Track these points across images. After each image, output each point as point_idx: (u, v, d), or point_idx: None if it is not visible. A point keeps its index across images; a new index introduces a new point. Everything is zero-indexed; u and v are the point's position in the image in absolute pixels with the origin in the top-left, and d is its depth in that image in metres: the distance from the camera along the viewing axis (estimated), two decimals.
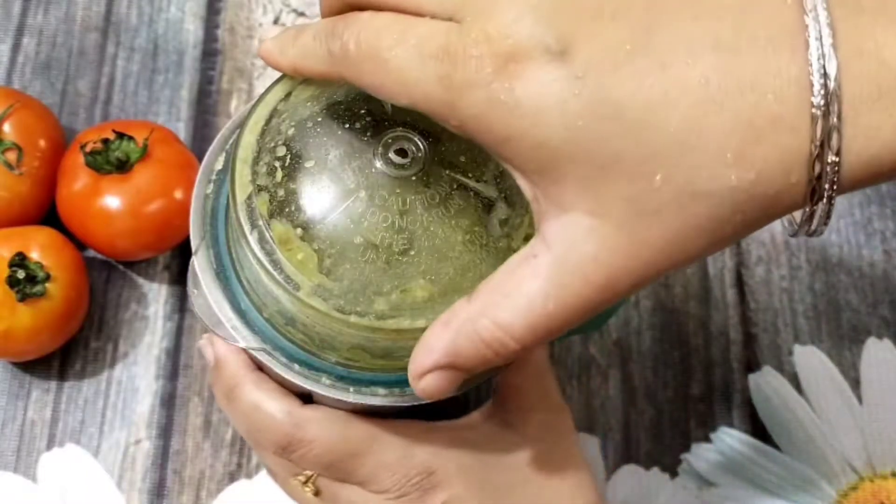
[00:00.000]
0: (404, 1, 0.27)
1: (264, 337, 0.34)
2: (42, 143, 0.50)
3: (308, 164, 0.31)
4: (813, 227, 0.27)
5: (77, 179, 0.48)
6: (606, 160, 0.25)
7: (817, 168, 0.25)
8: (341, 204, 0.31)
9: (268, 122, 0.32)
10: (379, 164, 0.31)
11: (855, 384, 0.51)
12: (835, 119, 0.25)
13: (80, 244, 0.49)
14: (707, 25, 0.25)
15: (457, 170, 0.32)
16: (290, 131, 0.32)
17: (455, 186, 0.32)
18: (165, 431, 0.49)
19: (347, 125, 0.32)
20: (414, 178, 0.31)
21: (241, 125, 0.33)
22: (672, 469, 0.50)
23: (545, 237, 0.27)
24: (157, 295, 0.51)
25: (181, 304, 0.51)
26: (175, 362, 0.50)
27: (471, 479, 0.37)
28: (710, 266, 0.54)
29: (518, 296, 0.28)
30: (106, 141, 0.48)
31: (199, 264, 0.35)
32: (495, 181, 0.32)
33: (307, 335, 0.33)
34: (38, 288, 0.45)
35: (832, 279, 0.54)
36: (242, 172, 0.31)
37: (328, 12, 0.30)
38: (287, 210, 0.31)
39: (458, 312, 0.29)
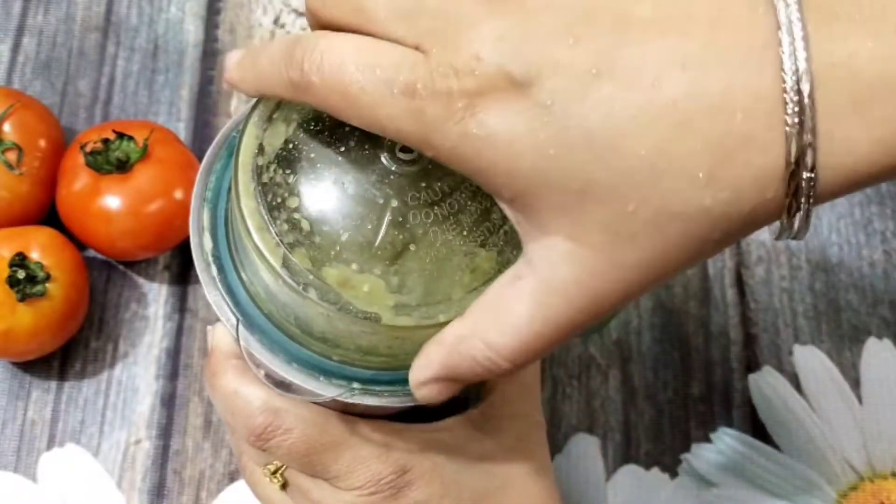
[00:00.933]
0: (370, 25, 0.27)
1: (263, 334, 0.34)
2: (42, 143, 0.50)
3: (329, 200, 0.31)
4: (793, 234, 0.26)
5: (77, 179, 0.48)
6: (580, 187, 0.25)
7: (793, 184, 0.25)
8: (380, 222, 0.30)
9: (259, 178, 0.31)
10: (394, 167, 0.31)
11: (855, 384, 0.51)
12: (809, 136, 0.24)
13: (80, 244, 0.49)
14: (674, 43, 0.25)
15: None
16: (291, 176, 0.31)
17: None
18: (165, 431, 0.49)
19: (342, 144, 0.31)
20: (427, 168, 0.31)
21: (235, 168, 0.31)
22: (672, 469, 0.50)
23: (530, 259, 0.27)
24: (157, 295, 0.51)
25: (181, 304, 0.51)
26: (175, 362, 0.50)
27: (444, 481, 0.37)
28: (710, 266, 0.54)
29: (506, 316, 0.28)
30: (106, 141, 0.48)
31: (198, 265, 0.35)
32: None
33: (325, 340, 0.33)
34: (38, 288, 0.45)
35: (832, 279, 0.54)
36: (265, 238, 0.30)
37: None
38: (333, 253, 0.30)
39: (451, 331, 0.29)
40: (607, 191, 0.25)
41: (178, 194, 0.48)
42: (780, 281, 0.54)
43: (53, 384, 0.49)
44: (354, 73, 0.26)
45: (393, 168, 0.31)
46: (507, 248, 0.31)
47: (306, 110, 0.32)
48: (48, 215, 0.50)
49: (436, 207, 0.31)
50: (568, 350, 0.52)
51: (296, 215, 0.30)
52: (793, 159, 0.24)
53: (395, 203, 0.31)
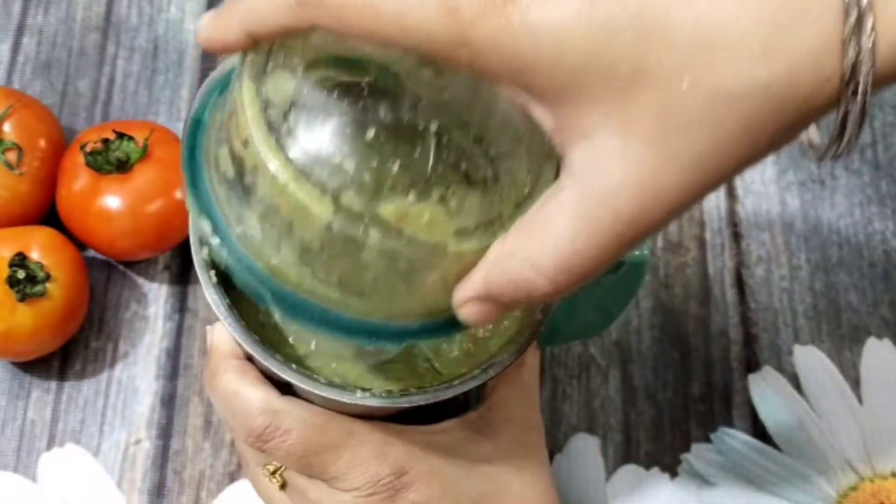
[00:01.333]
0: None
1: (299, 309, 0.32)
2: (42, 143, 0.50)
3: (368, 135, 0.28)
4: (846, 139, 0.25)
5: (77, 179, 0.48)
6: (630, 71, 0.24)
7: (850, 55, 0.24)
8: (427, 147, 0.28)
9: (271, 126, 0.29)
10: (423, 90, 0.29)
11: (855, 384, 0.51)
12: (865, 0, 0.23)
13: (80, 244, 0.49)
14: None
15: None
16: (319, 121, 0.29)
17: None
18: (165, 431, 0.49)
19: (363, 76, 0.29)
20: (458, 87, 0.29)
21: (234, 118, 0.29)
22: (672, 469, 0.50)
23: (571, 168, 0.26)
24: (157, 295, 0.51)
25: (181, 304, 0.51)
26: (175, 362, 0.50)
27: (441, 483, 0.37)
28: (710, 266, 0.54)
29: (545, 233, 0.27)
30: (106, 141, 0.48)
31: (197, 264, 0.34)
32: None
33: (374, 294, 0.31)
34: (38, 288, 0.45)
35: (832, 279, 0.54)
36: (306, 189, 0.28)
37: None
38: (386, 188, 0.28)
39: (493, 250, 0.28)
40: (659, 70, 0.24)
41: (179, 194, 0.48)
42: (780, 281, 0.54)
43: (53, 384, 0.49)
44: None
45: (422, 91, 0.29)
46: (552, 158, 0.29)
47: (307, 52, 0.29)
48: (48, 215, 0.50)
49: (474, 124, 0.29)
50: (568, 350, 0.52)
51: (336, 158, 0.28)
52: (850, 26, 0.24)
53: (435, 126, 0.29)
